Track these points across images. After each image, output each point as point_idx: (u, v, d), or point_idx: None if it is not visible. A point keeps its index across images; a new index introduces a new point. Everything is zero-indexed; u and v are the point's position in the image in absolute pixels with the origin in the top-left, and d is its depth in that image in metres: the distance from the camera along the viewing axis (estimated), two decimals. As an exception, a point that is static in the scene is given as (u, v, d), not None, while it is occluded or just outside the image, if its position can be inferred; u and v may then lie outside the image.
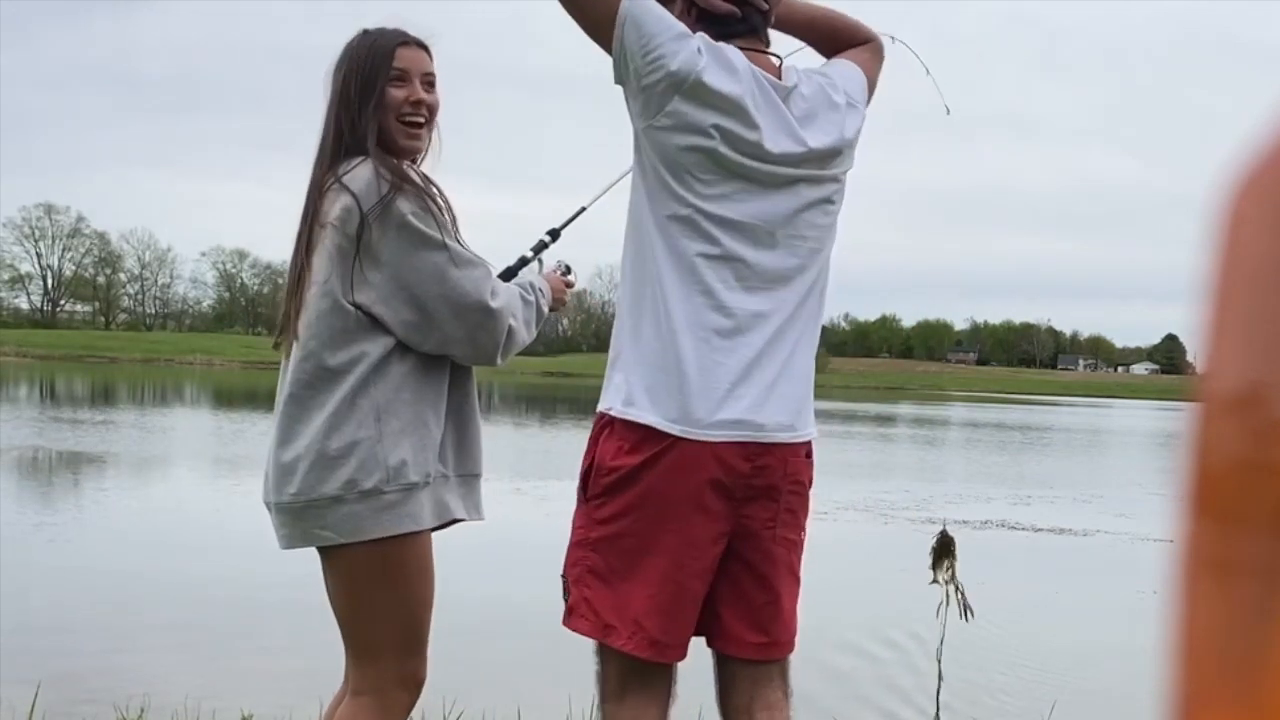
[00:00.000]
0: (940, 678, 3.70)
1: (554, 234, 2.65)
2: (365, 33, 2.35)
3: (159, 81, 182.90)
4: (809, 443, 2.18)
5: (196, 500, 11.15)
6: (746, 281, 2.06)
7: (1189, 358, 0.45)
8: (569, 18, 2.05)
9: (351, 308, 2.21)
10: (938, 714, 3.41)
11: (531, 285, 2.46)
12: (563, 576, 2.15)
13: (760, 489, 2.10)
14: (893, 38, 2.52)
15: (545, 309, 2.48)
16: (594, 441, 2.11)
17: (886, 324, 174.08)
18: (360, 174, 2.23)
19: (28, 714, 3.75)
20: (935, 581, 3.54)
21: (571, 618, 2.13)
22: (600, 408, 2.12)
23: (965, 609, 3.45)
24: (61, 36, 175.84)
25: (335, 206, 2.22)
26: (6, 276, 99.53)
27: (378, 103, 2.29)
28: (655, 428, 2.03)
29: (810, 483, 2.21)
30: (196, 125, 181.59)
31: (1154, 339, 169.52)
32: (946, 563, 3.50)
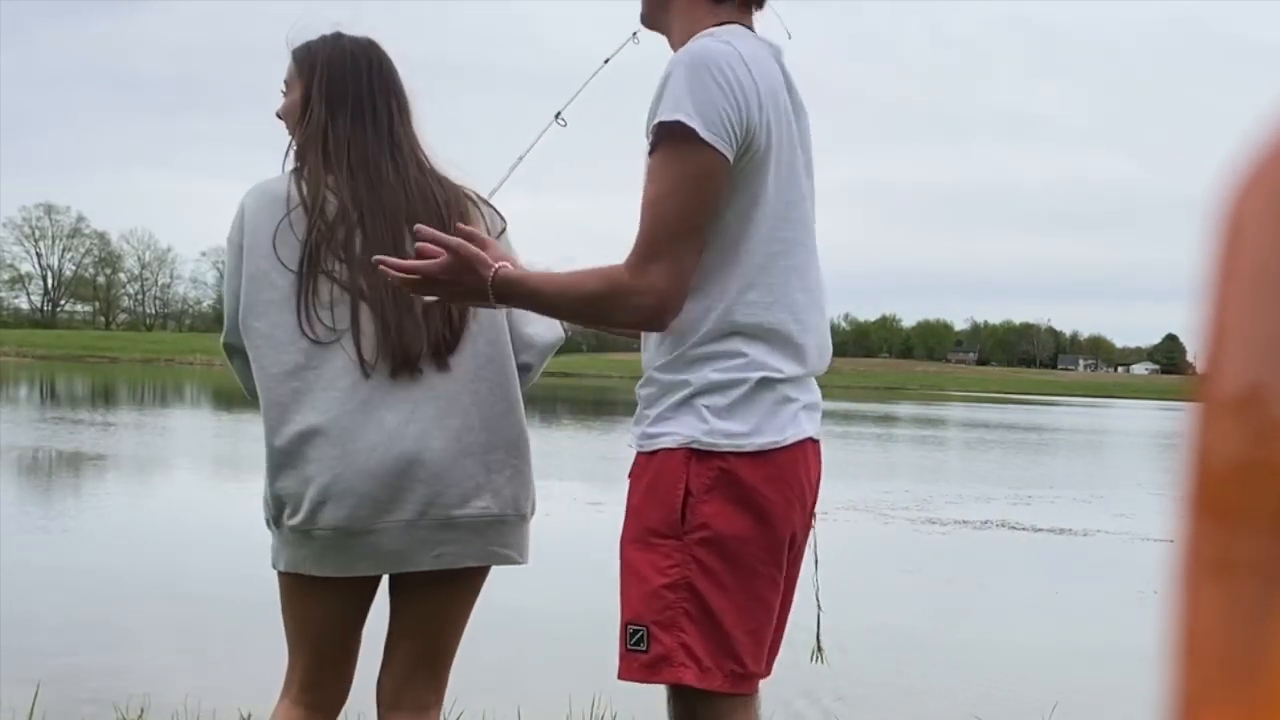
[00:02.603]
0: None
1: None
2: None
3: (159, 81, 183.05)
4: None
5: (197, 500, 11.16)
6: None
7: (1189, 358, 0.45)
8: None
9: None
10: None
11: None
12: (637, 625, 1.91)
13: (815, 497, 2.03)
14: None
15: None
16: (679, 474, 1.88)
17: (886, 324, 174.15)
18: (462, 188, 2.21)
19: (28, 714, 3.75)
20: None
21: (666, 668, 1.89)
22: (682, 438, 1.88)
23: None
24: (61, 36, 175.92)
25: (476, 216, 2.17)
26: (6, 276, 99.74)
27: None
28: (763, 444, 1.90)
29: None
30: (196, 125, 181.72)
31: (1154, 339, 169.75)
32: None
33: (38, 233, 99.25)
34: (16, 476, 12.18)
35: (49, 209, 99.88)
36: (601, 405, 35.67)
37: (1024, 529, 11.21)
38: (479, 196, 2.23)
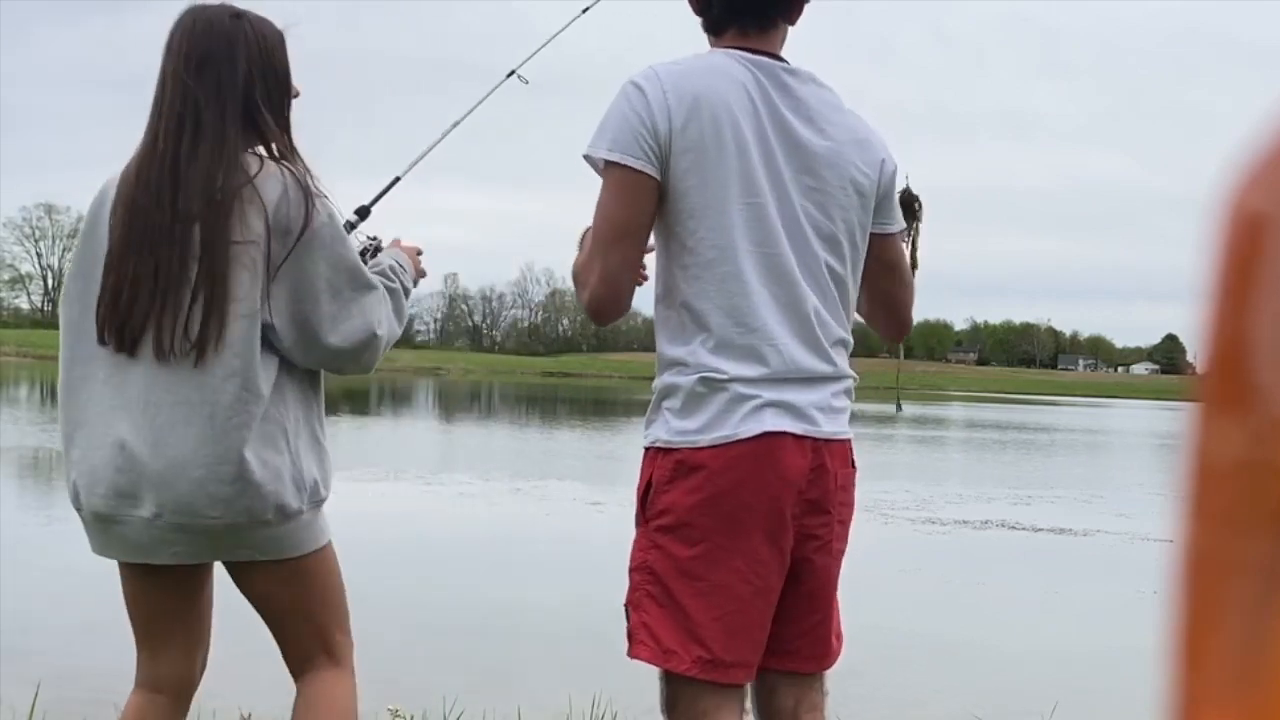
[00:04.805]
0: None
1: (363, 212, 2.62)
2: (239, 14, 2.14)
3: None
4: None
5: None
6: None
7: (1189, 358, 0.45)
8: None
9: (265, 325, 2.10)
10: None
11: (393, 269, 2.35)
12: (624, 606, 2.05)
13: (818, 491, 2.09)
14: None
15: (410, 288, 2.41)
16: (647, 470, 2.04)
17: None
18: (274, 180, 2.10)
19: (28, 714, 3.75)
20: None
21: (632, 644, 2.01)
22: (652, 438, 2.04)
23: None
24: (61, 36, 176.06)
25: (251, 216, 2.07)
26: (6, 276, 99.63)
27: (287, 99, 2.18)
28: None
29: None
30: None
31: (1154, 339, 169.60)
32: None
33: (38, 233, 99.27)
34: (17, 476, 12.17)
35: (49, 209, 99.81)
36: (601, 405, 35.67)
37: (1024, 529, 11.22)
38: (304, 185, 2.12)
